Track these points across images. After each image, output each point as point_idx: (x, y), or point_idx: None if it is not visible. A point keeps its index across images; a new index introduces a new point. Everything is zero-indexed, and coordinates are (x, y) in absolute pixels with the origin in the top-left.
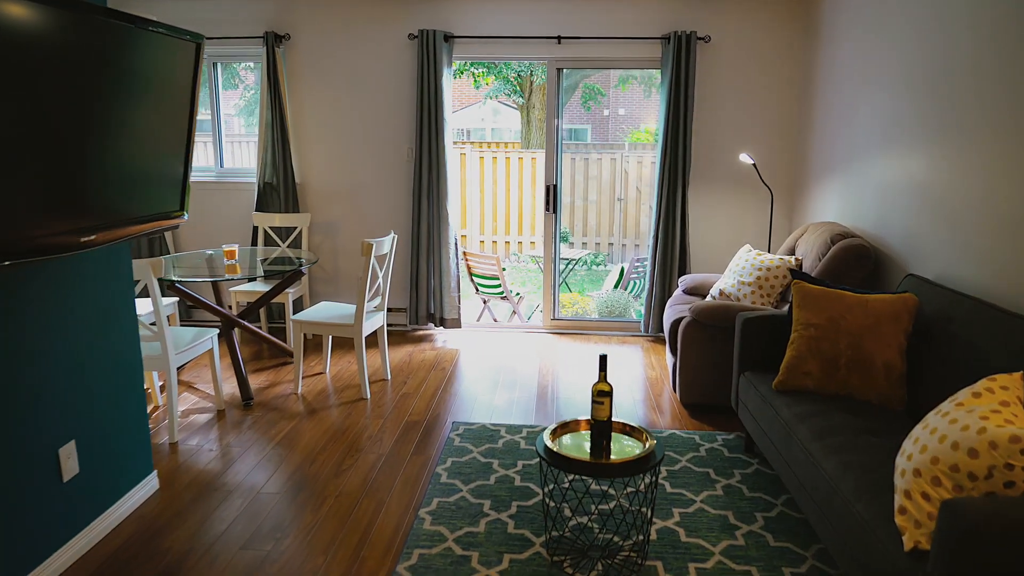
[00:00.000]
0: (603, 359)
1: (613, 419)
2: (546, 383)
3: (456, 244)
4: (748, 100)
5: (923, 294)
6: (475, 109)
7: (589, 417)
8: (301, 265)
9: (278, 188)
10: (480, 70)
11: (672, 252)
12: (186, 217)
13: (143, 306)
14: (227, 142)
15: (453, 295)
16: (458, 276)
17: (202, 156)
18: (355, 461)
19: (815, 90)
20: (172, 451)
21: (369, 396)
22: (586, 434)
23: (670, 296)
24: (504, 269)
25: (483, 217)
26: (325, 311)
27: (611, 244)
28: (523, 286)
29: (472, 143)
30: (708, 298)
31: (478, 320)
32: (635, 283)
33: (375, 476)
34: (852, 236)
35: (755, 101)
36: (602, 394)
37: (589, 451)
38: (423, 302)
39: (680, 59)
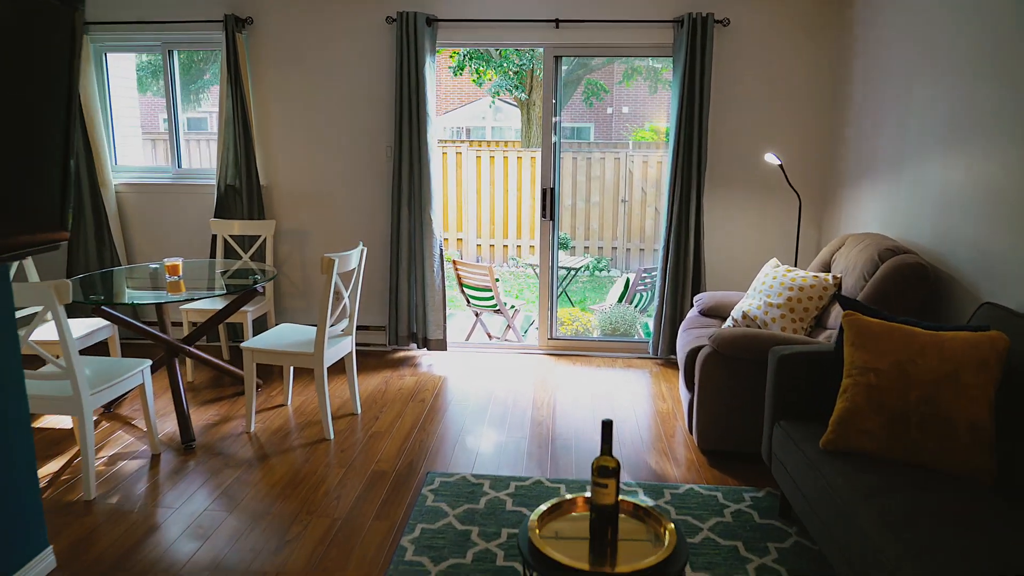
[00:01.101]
0: (607, 428)
1: (621, 496)
2: (541, 419)
3: (440, 255)
4: (773, 92)
5: (1009, 330)
6: (475, 107)
7: (589, 492)
8: (256, 282)
9: (240, 191)
10: (479, 64)
11: (685, 265)
12: (67, 234)
13: (76, 329)
14: (198, 141)
15: (438, 313)
16: (443, 291)
17: (160, 156)
18: (304, 528)
19: (854, 78)
20: (87, 512)
21: (332, 436)
22: (586, 518)
23: (682, 315)
24: (498, 280)
25: (480, 219)
26: (283, 336)
27: (615, 248)
28: (519, 296)
29: (469, 142)
30: (729, 322)
31: (467, 339)
32: (642, 296)
33: (325, 551)
34: (905, 252)
35: (781, 93)
36: (605, 473)
37: (588, 547)
38: (404, 320)
39: (695, 45)
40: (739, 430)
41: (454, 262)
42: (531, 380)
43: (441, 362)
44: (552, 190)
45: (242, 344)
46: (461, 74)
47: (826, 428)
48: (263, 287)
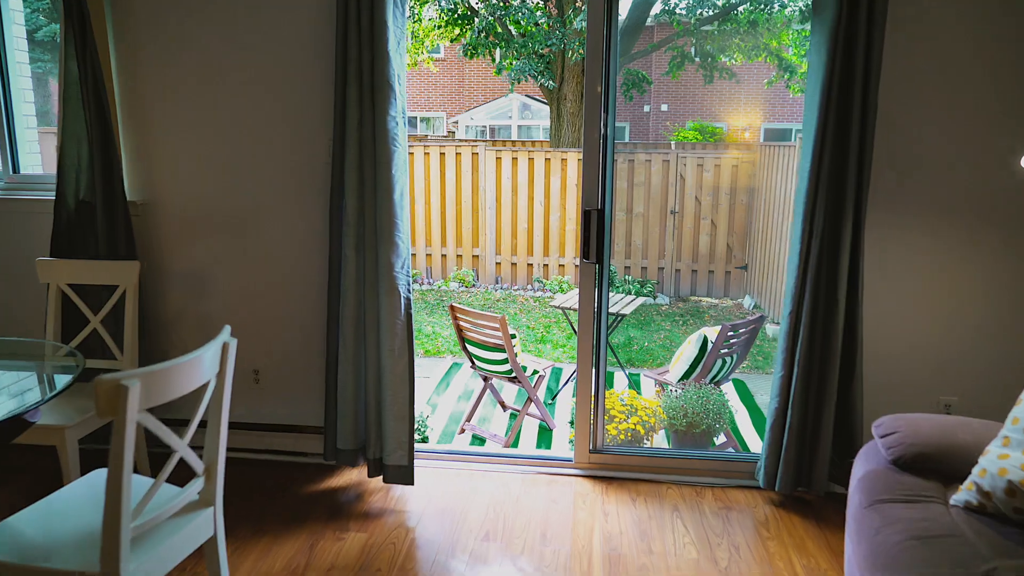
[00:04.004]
0: None
1: None
2: None
3: (407, 325)
4: (990, 55)
5: None
6: (500, 104)
7: None
8: (26, 409)
9: (96, 212)
10: (498, 46)
11: (829, 343)
12: None
13: None
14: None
15: (400, 423)
16: (410, 385)
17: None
18: None
19: None
20: None
21: None
22: None
23: (818, 428)
24: (514, 336)
25: (500, 232)
26: (72, 512)
27: (661, 269)
28: (544, 338)
29: (491, 141)
30: (969, 495)
31: (470, 416)
32: (724, 363)
33: None
34: None
35: (1003, 58)
36: None
37: None
38: (348, 427)
39: None
40: None
41: (452, 308)
42: (563, 545)
43: (412, 498)
44: (600, 212)
45: None
46: (475, 56)
47: None
48: (39, 413)
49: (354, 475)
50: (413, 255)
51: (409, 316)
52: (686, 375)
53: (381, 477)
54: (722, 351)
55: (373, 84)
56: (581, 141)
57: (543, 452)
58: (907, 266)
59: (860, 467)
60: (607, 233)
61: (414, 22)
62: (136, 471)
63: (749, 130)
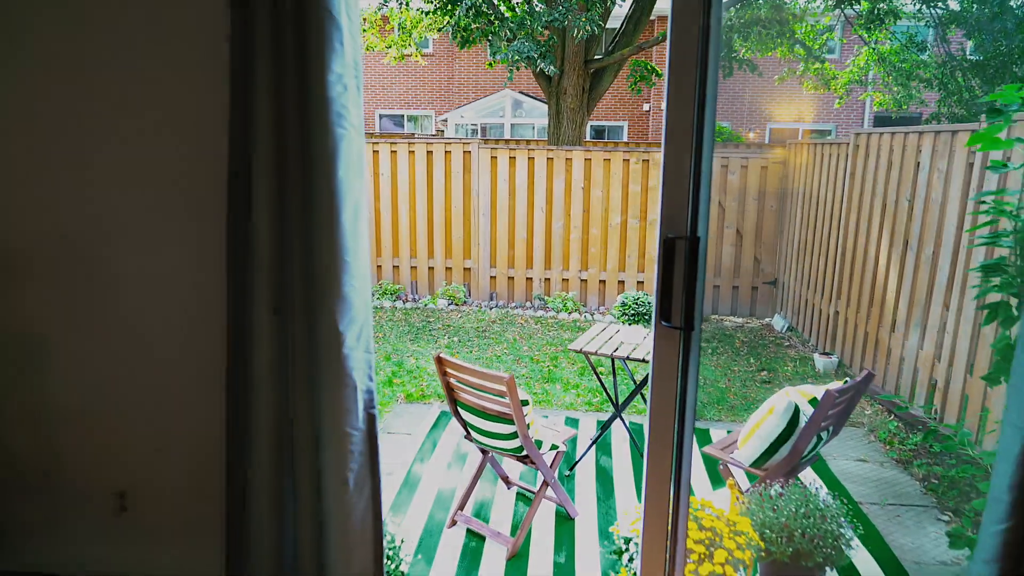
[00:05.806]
0: None
1: None
2: None
3: (369, 423)
4: None
5: None
6: (492, 100)
7: None
8: None
9: None
10: (490, 31)
11: None
12: None
13: None
14: None
15: None
16: (376, 525)
17: None
18: None
19: None
20: None
21: None
22: None
23: None
24: (526, 403)
25: (495, 241)
26: None
27: None
28: (551, 375)
29: (483, 140)
30: None
31: (462, 505)
32: (820, 439)
33: None
34: None
35: None
36: None
37: None
38: None
39: None
40: None
41: (439, 360)
42: None
43: None
44: (693, 241)
45: None
46: (467, 44)
47: None
48: None
49: None
50: (395, 267)
51: (372, 420)
52: (764, 457)
53: None
54: (821, 425)
55: (298, 14)
56: (582, 139)
57: None
58: None
59: None
60: (700, 277)
61: (402, 5)
62: None
63: (756, 130)
